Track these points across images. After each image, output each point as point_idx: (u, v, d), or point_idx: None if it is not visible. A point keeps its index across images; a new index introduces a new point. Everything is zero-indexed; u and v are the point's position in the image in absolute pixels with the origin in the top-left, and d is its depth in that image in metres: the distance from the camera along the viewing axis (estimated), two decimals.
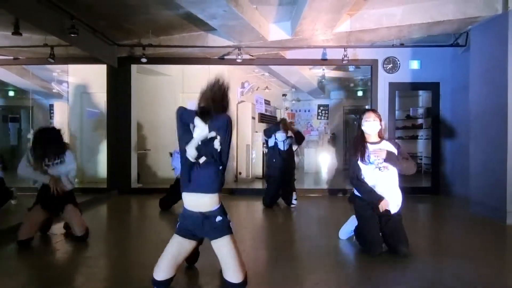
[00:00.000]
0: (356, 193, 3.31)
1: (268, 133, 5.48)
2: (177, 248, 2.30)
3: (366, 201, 3.19)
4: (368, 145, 3.21)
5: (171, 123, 7.54)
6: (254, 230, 4.25)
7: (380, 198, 3.09)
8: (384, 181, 3.14)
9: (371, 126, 3.19)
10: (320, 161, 10.59)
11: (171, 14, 5.02)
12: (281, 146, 5.44)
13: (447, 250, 3.37)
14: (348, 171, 3.36)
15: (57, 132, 3.51)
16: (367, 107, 9.78)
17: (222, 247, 2.26)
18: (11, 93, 9.42)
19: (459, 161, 6.07)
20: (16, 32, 4.32)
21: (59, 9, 4.57)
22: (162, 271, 2.25)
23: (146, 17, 5.15)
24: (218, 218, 2.29)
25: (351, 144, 3.42)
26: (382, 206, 3.09)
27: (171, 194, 5.10)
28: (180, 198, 5.25)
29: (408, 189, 5.71)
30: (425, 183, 7.33)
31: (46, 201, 3.43)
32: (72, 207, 3.54)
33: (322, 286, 2.49)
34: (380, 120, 3.23)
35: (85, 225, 3.53)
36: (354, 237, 3.45)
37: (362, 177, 3.19)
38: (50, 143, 3.41)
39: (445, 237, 4.08)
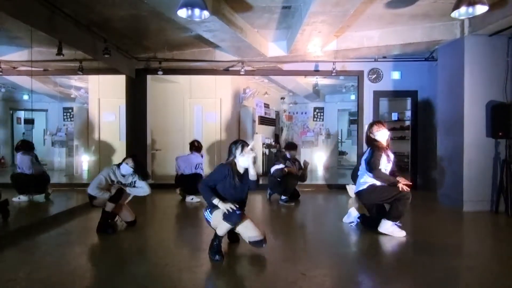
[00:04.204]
0: (365, 186, 4.12)
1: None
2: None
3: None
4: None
5: (179, 126, 8.40)
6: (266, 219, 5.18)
7: (398, 181, 3.93)
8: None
9: (384, 134, 4.03)
10: (316, 159, 11.50)
11: (185, 35, 5.92)
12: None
13: (414, 231, 4.26)
14: (371, 164, 3.98)
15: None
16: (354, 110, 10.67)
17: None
18: (25, 97, 10.26)
19: (433, 160, 6.98)
20: (59, 53, 5.22)
21: (92, 32, 5.49)
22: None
23: (164, 37, 6.06)
24: None
25: (375, 149, 4.00)
26: (402, 186, 3.89)
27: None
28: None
29: None
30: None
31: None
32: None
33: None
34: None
35: (133, 214, 4.46)
36: (358, 222, 4.40)
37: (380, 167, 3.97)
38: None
39: (414, 222, 4.96)
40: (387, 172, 4.02)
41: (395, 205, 3.94)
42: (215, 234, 3.28)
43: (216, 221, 3.27)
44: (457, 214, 5.12)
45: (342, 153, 13.88)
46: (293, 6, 4.69)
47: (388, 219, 3.99)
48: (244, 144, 3.36)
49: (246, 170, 3.36)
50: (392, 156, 4.08)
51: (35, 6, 4.25)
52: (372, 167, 3.94)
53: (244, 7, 4.68)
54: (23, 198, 5.84)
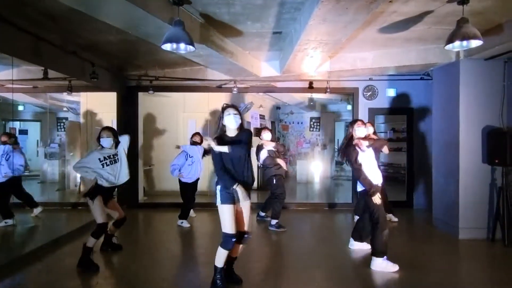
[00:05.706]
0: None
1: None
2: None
3: None
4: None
5: (173, 140, 8.27)
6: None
7: (376, 189, 3.93)
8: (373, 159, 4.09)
9: (362, 131, 4.08)
10: (313, 171, 11.38)
11: (176, 55, 5.79)
12: None
13: (408, 264, 4.10)
14: (352, 165, 4.01)
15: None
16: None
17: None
18: (20, 107, 10.13)
19: (430, 178, 6.87)
20: (45, 78, 5.10)
21: (79, 57, 5.36)
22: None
23: (154, 57, 5.93)
24: None
25: (348, 152, 4.04)
26: (375, 197, 3.88)
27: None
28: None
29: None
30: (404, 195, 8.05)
31: (103, 193, 4.17)
32: (114, 200, 4.58)
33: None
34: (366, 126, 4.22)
35: (123, 213, 4.59)
36: None
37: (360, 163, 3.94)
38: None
39: (409, 252, 4.72)
40: (371, 163, 4.03)
41: (373, 237, 3.94)
42: (215, 268, 3.27)
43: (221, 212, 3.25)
44: (452, 242, 5.00)
45: (339, 163, 13.75)
46: (284, 32, 4.58)
47: (376, 256, 3.92)
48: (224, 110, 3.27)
49: (237, 135, 3.25)
50: (366, 144, 4.02)
51: (17, 36, 4.11)
52: (354, 168, 3.98)
53: (234, 33, 4.57)
54: (10, 222, 5.71)
